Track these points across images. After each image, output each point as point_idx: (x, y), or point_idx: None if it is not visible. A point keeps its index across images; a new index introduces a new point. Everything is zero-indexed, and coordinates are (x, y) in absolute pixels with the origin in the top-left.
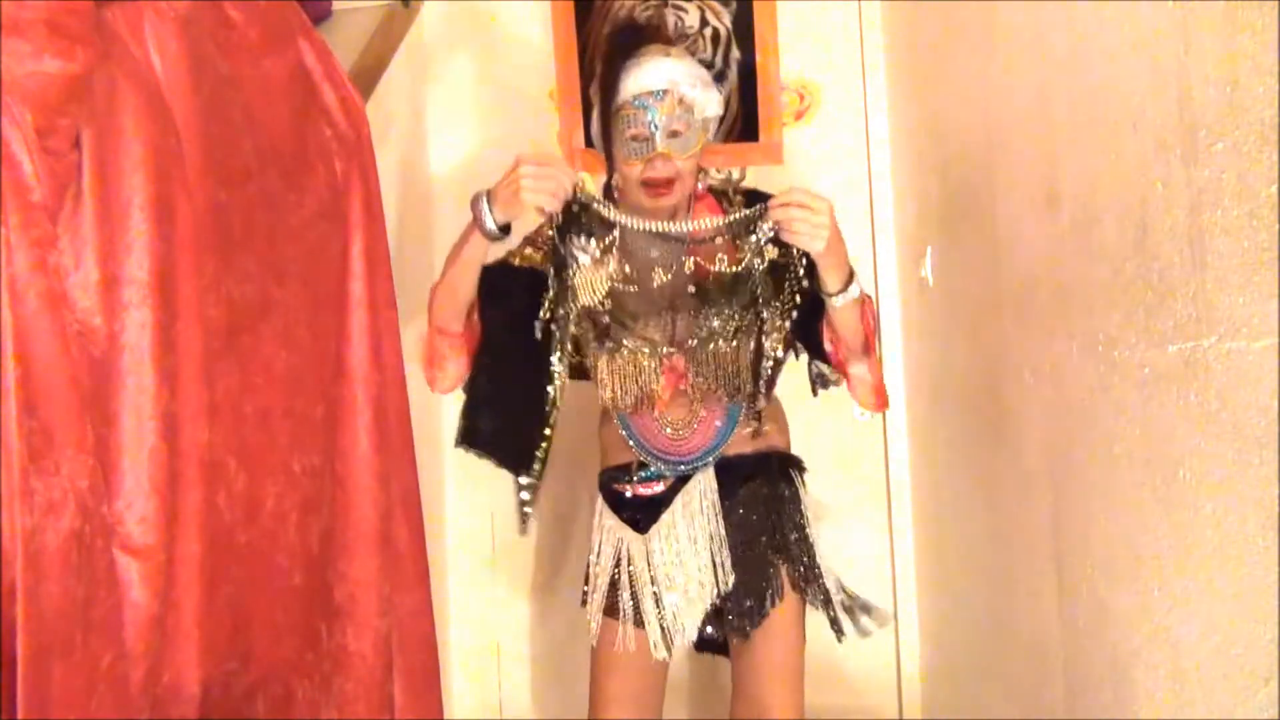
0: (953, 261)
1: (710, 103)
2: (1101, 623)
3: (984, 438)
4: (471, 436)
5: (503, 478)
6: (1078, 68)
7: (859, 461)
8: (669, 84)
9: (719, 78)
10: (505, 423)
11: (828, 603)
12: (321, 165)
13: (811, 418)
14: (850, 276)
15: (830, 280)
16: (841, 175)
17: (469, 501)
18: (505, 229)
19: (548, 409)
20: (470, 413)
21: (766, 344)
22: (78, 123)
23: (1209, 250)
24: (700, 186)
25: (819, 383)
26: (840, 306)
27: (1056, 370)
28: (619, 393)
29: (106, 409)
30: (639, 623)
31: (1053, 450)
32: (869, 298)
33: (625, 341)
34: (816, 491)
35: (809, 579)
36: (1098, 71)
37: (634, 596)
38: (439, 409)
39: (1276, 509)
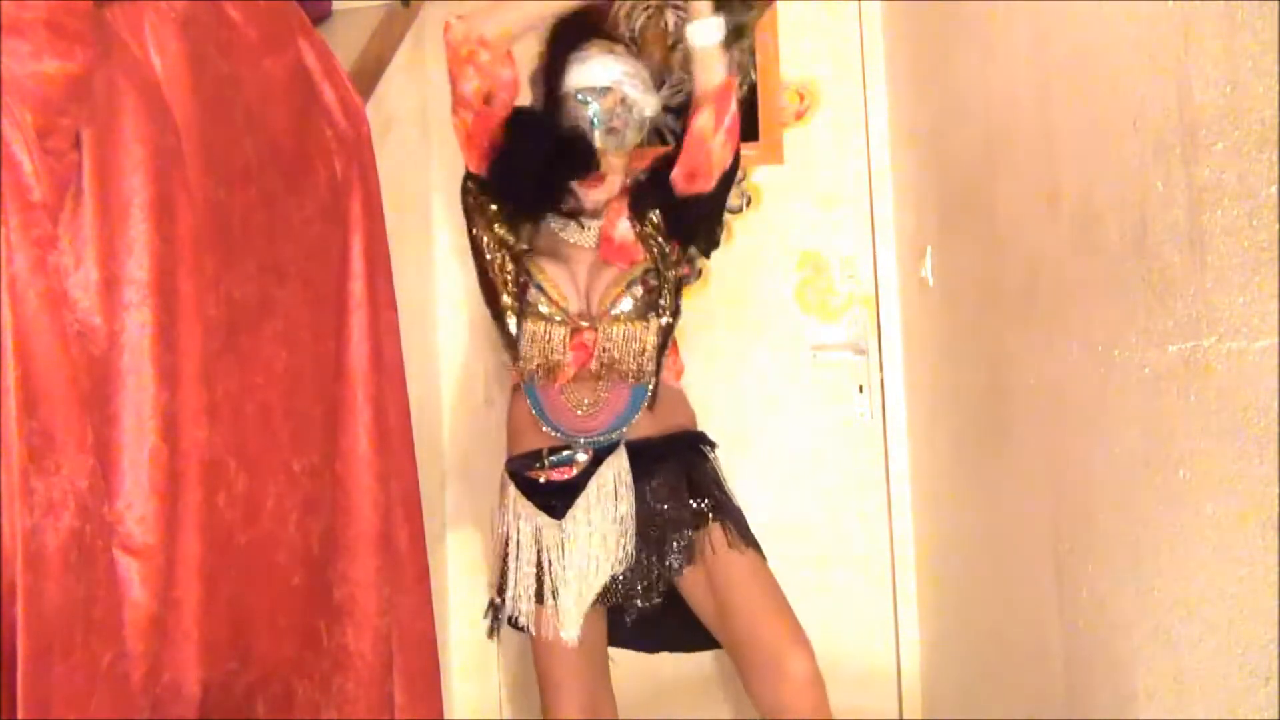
0: (953, 261)
1: (649, 104)
2: (1101, 623)
3: (984, 438)
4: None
5: (503, 477)
6: (1078, 68)
7: (859, 461)
8: (613, 82)
9: None
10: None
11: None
12: (321, 165)
13: (811, 417)
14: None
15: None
16: (841, 175)
17: (469, 502)
18: None
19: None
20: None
21: (664, 321)
22: (78, 123)
23: (1209, 250)
24: (628, 181)
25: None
26: (706, 50)
27: (1056, 370)
28: (526, 357)
29: (106, 409)
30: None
31: (1053, 450)
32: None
33: (541, 308)
34: (816, 491)
35: (746, 537)
36: (1098, 71)
37: (552, 583)
38: (439, 409)
39: (1276, 509)
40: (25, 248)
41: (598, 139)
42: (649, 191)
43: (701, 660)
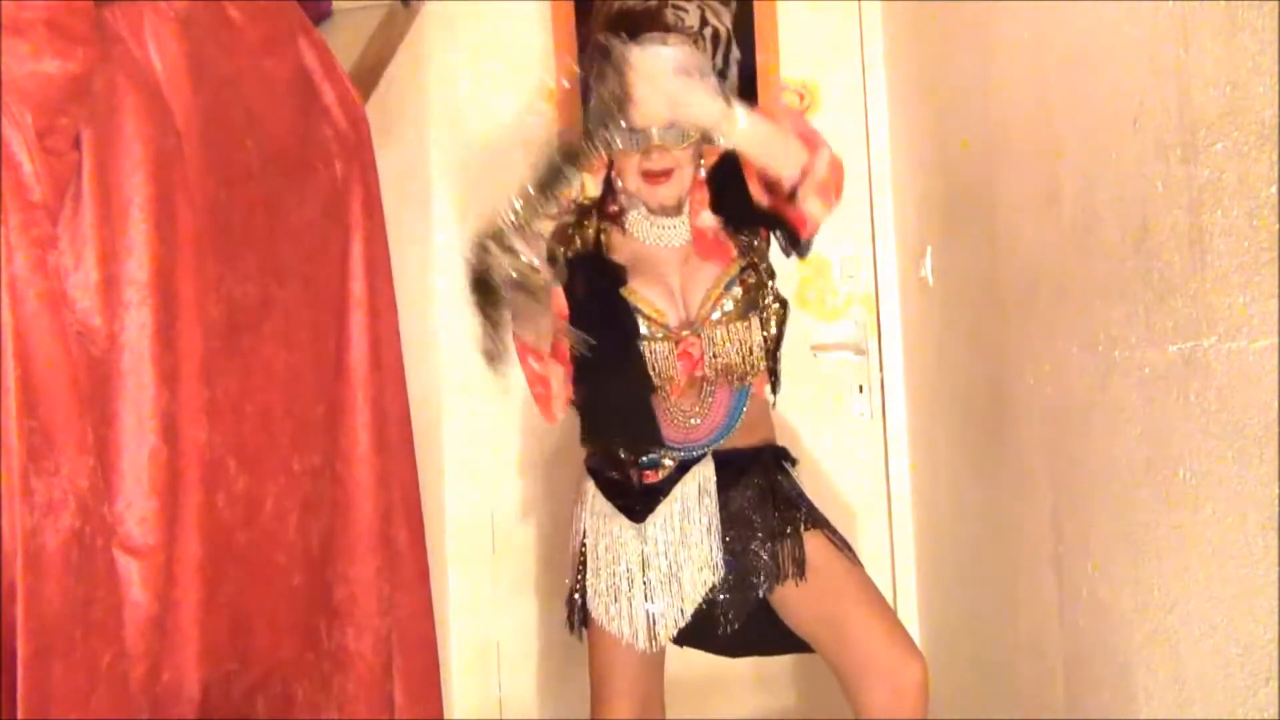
0: (953, 261)
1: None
2: (1101, 623)
3: (984, 438)
4: (593, 430)
5: (503, 477)
6: (1078, 68)
7: (859, 461)
8: None
9: (719, 77)
10: (616, 405)
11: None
12: (321, 165)
13: (811, 417)
14: (725, 109)
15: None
16: None
17: (469, 501)
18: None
19: (646, 376)
20: (583, 406)
21: (768, 320)
22: (78, 123)
23: (1209, 250)
24: (702, 174)
25: (793, 248)
26: (741, 134)
27: (1056, 370)
28: None
29: (106, 409)
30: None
31: (1053, 450)
32: (790, 111)
33: (641, 328)
34: (817, 491)
35: (842, 544)
36: (1098, 71)
37: (629, 586)
38: (439, 409)
39: (1276, 509)
40: (25, 248)
41: (655, 134)
42: (718, 183)
43: (699, 660)
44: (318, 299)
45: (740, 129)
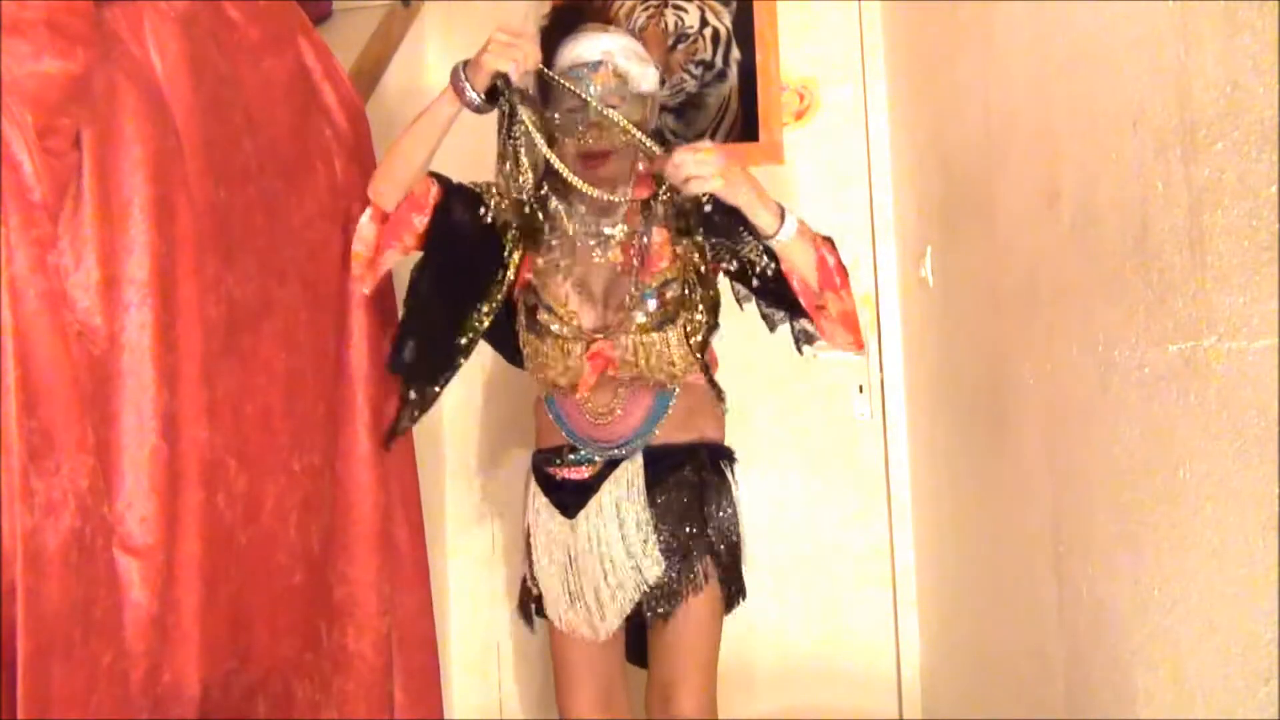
0: (953, 261)
1: (646, 77)
2: (1101, 623)
3: (984, 438)
4: (396, 359)
5: (503, 477)
6: (1078, 68)
7: (859, 461)
8: (603, 55)
9: (719, 77)
10: (427, 343)
11: (740, 593)
12: (321, 165)
13: (811, 417)
14: (781, 214)
15: (761, 222)
16: (841, 175)
17: (469, 501)
18: (487, 99)
19: (465, 341)
20: (400, 333)
21: (693, 333)
22: (78, 123)
23: (1209, 250)
24: (641, 168)
25: (801, 339)
26: (785, 245)
27: (1056, 370)
28: (545, 376)
29: (106, 409)
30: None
31: (1053, 450)
32: (822, 237)
33: (553, 327)
34: (816, 491)
35: (728, 568)
36: (1098, 71)
37: (563, 579)
38: (439, 408)
39: (1276, 509)
40: (25, 248)
41: (593, 111)
42: (697, 221)
43: None
44: (318, 298)
45: (790, 237)
